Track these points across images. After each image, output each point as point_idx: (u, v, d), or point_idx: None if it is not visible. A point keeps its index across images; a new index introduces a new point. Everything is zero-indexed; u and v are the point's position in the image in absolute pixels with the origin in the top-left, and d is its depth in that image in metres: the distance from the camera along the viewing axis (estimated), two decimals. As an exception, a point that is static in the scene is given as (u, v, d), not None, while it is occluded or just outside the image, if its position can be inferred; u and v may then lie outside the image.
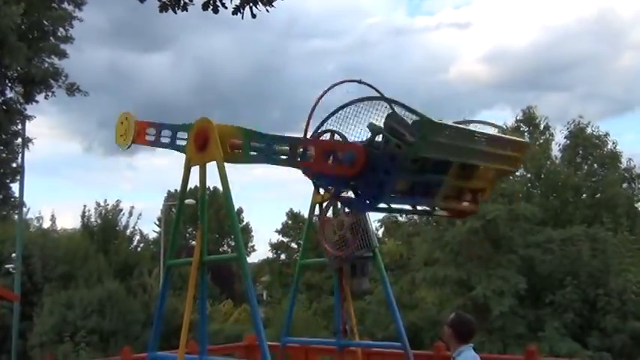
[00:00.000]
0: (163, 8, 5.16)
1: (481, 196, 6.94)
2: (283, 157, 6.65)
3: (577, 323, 20.08)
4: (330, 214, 10.04)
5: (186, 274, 8.10)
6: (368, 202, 6.10)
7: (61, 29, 14.85)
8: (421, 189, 6.55)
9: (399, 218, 24.74)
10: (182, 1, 5.14)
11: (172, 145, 7.90)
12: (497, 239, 21.88)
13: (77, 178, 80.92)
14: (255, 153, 6.99)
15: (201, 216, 7.72)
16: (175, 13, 5.22)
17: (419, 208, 7.06)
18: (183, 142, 7.67)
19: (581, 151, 26.11)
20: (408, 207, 7.13)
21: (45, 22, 14.40)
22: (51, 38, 14.79)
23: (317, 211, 10.25)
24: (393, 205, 6.90)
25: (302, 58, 76.01)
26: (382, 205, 6.64)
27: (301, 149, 6.42)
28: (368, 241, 9.30)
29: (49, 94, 15.28)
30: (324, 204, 10.05)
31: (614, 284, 19.75)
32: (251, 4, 4.58)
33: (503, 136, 6.77)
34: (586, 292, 20.15)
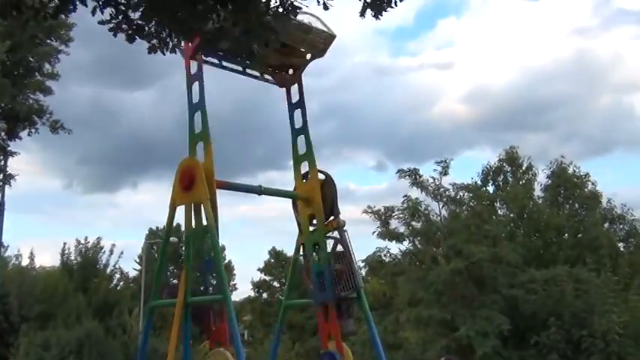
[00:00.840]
0: (152, 50, 5.17)
1: (299, 71, 10.00)
2: None
3: (562, 364, 19.98)
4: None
5: (167, 313, 7.98)
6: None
7: (47, 65, 14.82)
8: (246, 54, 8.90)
9: (384, 258, 24.62)
10: (171, 44, 5.15)
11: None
12: (481, 279, 21.86)
13: (57, 215, 79.95)
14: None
15: (185, 257, 7.68)
16: (164, 54, 5.23)
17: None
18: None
19: (562, 192, 26.31)
20: (239, 68, 9.68)
21: (31, 58, 14.34)
22: (36, 74, 14.72)
23: (302, 251, 10.23)
24: (225, 63, 9.27)
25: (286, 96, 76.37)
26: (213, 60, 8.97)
27: None
28: (353, 282, 9.27)
29: (33, 130, 15.13)
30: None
31: (598, 325, 19.71)
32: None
33: (315, 27, 9.33)
34: (570, 332, 20.09)
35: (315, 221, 9.85)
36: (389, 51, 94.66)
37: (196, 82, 8.39)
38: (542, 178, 26.79)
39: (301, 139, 9.84)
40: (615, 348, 19.50)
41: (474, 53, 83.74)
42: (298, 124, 9.84)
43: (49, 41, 14.43)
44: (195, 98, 8.32)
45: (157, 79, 78.09)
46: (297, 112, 9.87)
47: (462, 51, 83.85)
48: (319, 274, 9.30)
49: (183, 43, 7.69)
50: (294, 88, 10.04)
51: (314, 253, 9.64)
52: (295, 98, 9.94)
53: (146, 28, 4.94)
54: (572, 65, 69.51)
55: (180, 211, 8.26)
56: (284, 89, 10.20)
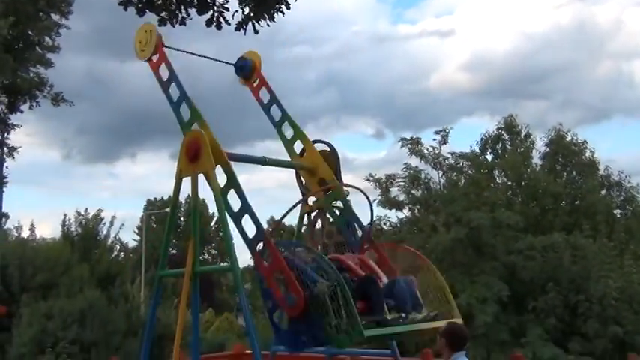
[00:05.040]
0: (162, 22, 5.20)
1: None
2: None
3: (559, 328, 20.34)
4: (318, 223, 10.12)
5: (166, 283, 8.13)
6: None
7: (47, 38, 14.69)
8: None
9: (384, 226, 24.85)
10: (180, 16, 5.17)
11: (175, 109, 7.91)
12: (480, 246, 22.10)
13: (56, 185, 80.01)
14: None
15: (193, 227, 7.76)
16: (173, 27, 5.26)
17: None
18: (185, 117, 7.79)
19: (560, 159, 26.47)
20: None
21: (30, 32, 14.19)
22: (37, 47, 14.61)
23: (305, 220, 10.32)
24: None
25: (284, 65, 75.94)
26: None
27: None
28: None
29: (34, 104, 15.08)
30: (313, 214, 10.12)
31: (594, 290, 20.04)
32: (253, 21, 4.65)
33: None
34: (567, 297, 20.42)
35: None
36: (389, 19, 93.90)
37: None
38: (540, 146, 26.96)
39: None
40: (611, 312, 19.82)
41: (474, 21, 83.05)
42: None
43: (50, 14, 14.30)
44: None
45: (153, 49, 77.20)
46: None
47: (463, 19, 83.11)
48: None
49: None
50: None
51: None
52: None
53: (156, 1, 4.98)
54: (572, 32, 69.03)
55: (186, 182, 8.31)
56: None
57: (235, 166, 8.17)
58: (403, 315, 6.90)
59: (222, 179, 7.87)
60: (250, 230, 7.19)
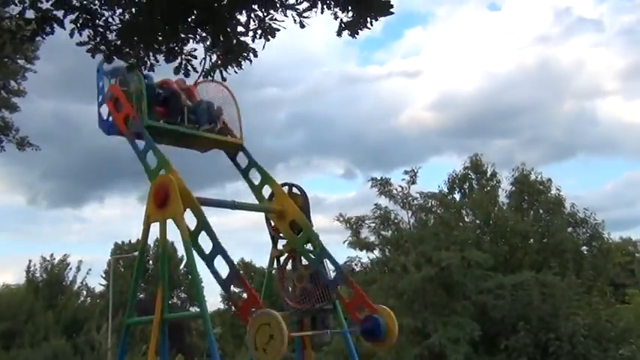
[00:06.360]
0: (130, 69, 5.20)
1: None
2: None
3: (531, 368, 20.32)
4: (289, 267, 10.06)
5: (134, 329, 7.91)
6: None
7: (12, 82, 14.56)
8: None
9: (355, 267, 24.76)
10: (149, 63, 5.17)
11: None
12: (451, 286, 22.12)
13: (21, 231, 78.01)
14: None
15: (161, 274, 7.65)
16: (142, 72, 5.26)
17: None
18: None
19: (526, 197, 26.80)
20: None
21: (-5, 77, 14.05)
22: (2, 91, 14.45)
23: (275, 264, 10.25)
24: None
25: (254, 107, 76.32)
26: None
27: None
28: (328, 294, 9.34)
29: (-1, 148, 14.82)
30: (283, 257, 10.07)
31: (564, 328, 20.14)
32: (221, 68, 4.69)
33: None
34: (538, 336, 20.46)
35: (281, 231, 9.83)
36: (357, 60, 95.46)
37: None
38: (505, 184, 27.30)
39: (253, 171, 9.82)
40: (581, 350, 19.90)
41: (441, 61, 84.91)
42: (257, 180, 9.80)
43: (16, 59, 14.19)
44: (142, 146, 8.30)
45: (120, 91, 76.90)
46: (253, 171, 9.81)
47: (429, 59, 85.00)
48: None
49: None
50: (240, 155, 9.99)
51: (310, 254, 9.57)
52: (245, 163, 9.90)
53: (124, 49, 4.98)
54: (535, 72, 70.92)
55: (154, 227, 8.22)
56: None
57: (205, 209, 8.15)
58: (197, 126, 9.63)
59: (191, 222, 7.84)
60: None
